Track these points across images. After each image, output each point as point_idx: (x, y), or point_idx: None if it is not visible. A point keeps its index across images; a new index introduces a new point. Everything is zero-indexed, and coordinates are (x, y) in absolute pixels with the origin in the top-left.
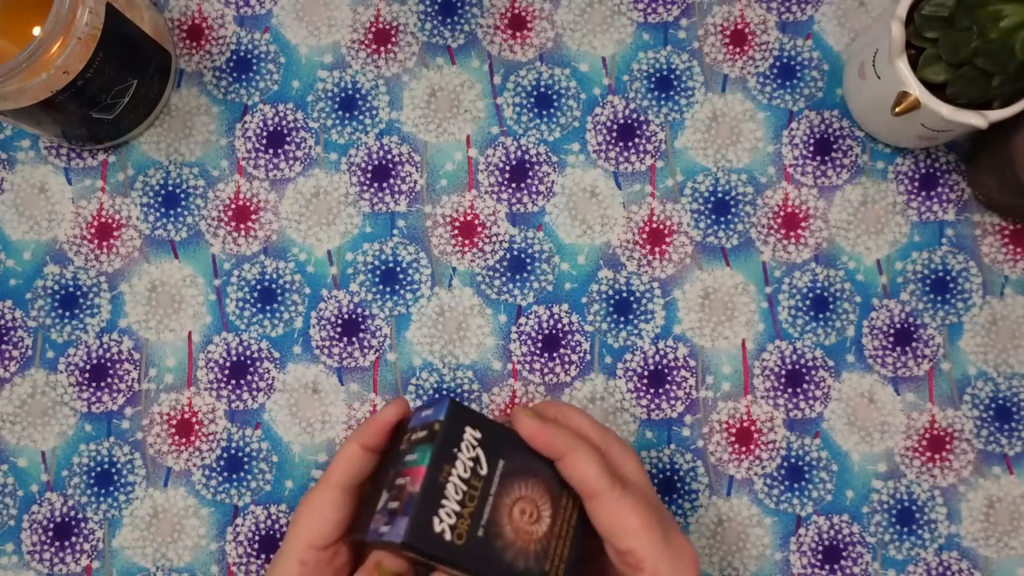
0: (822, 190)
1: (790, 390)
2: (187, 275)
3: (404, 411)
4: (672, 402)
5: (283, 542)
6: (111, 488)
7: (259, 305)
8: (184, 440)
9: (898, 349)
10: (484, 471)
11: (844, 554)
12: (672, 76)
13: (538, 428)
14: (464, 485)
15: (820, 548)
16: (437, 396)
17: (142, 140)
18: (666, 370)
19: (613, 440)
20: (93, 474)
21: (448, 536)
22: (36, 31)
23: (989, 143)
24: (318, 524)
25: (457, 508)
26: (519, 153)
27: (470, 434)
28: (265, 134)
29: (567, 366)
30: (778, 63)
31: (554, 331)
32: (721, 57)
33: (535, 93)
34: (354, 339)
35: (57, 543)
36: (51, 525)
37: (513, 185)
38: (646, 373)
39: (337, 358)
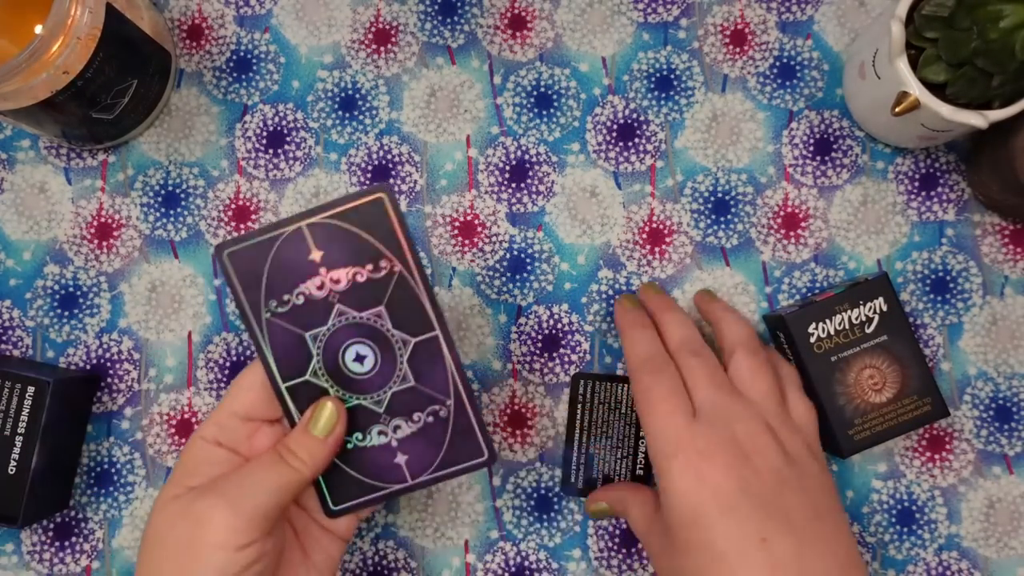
0: (822, 190)
1: None
2: (187, 275)
3: None
4: None
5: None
6: (111, 488)
7: None
8: (184, 440)
9: None
10: None
11: None
12: (672, 76)
13: (709, 302)
14: None
15: None
16: None
17: (142, 140)
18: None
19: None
20: (93, 474)
21: None
22: (36, 31)
23: (989, 143)
24: (250, 390)
25: None
26: (519, 153)
27: None
28: (265, 134)
29: (567, 366)
30: (778, 63)
31: (554, 331)
32: (721, 57)
33: (535, 93)
34: None
35: (57, 543)
36: (51, 525)
37: (513, 185)
38: None
39: None
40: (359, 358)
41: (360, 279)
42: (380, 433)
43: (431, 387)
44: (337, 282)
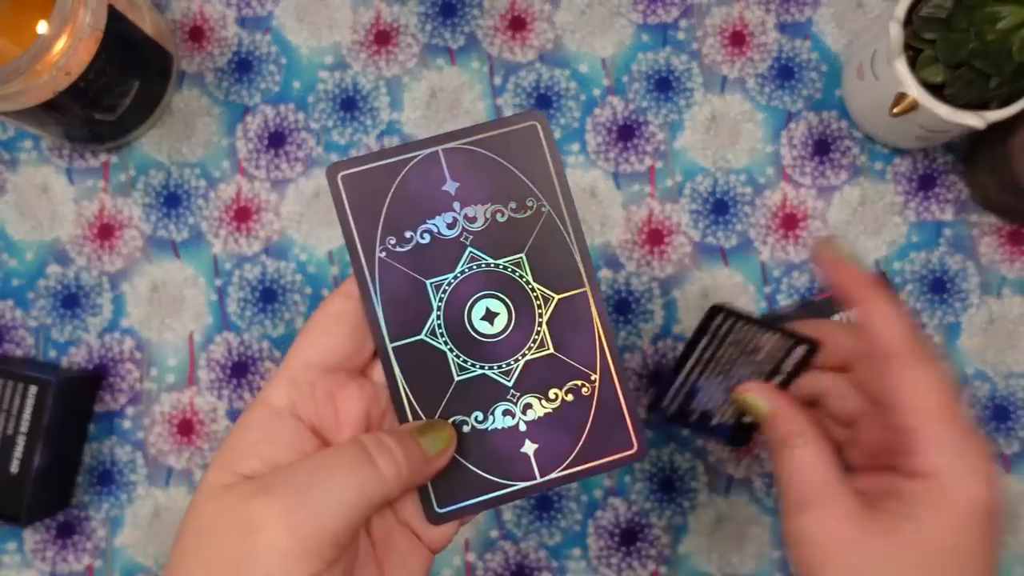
0: (820, 190)
1: None
2: (188, 275)
3: None
4: None
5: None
6: (113, 487)
7: (260, 305)
8: (185, 439)
9: None
10: None
11: None
12: (671, 77)
13: (847, 269)
14: None
15: None
16: None
17: (144, 141)
18: (665, 369)
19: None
20: (95, 473)
21: None
22: (39, 32)
23: (987, 144)
24: (325, 337)
25: None
26: None
27: None
28: (266, 135)
29: None
30: (777, 64)
31: None
32: (720, 58)
33: (535, 94)
34: None
35: (59, 542)
36: (54, 524)
37: None
38: (645, 373)
39: None
40: (489, 315)
41: (500, 219)
42: (506, 413)
43: (574, 357)
44: (472, 220)
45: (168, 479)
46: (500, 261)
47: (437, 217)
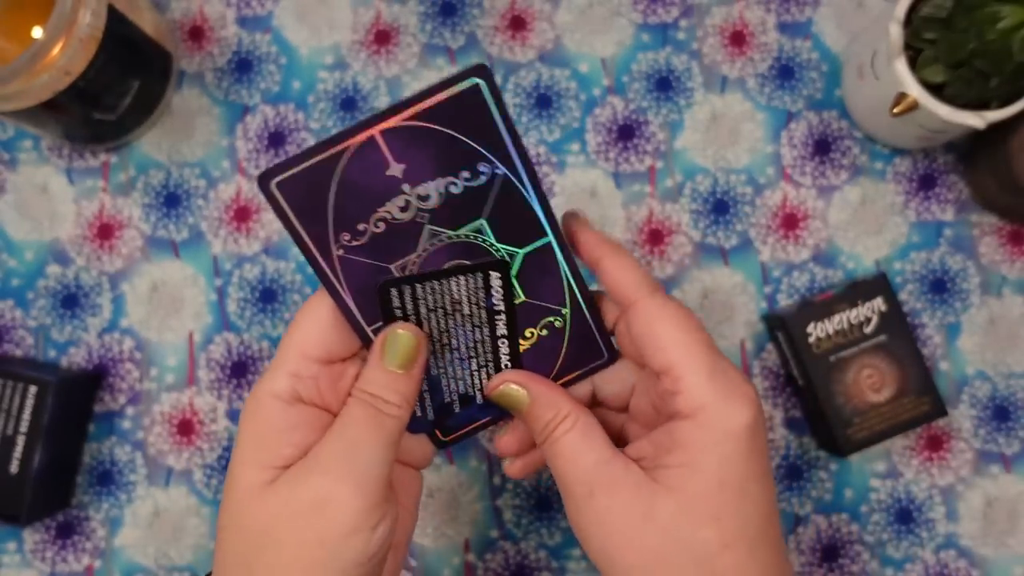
0: (821, 190)
1: (789, 388)
2: (188, 275)
3: None
4: None
5: (271, 362)
6: (113, 487)
7: (260, 305)
8: (185, 439)
9: None
10: None
11: (842, 553)
12: (671, 77)
13: (586, 231)
14: None
15: (819, 547)
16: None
17: (143, 141)
18: None
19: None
20: (95, 473)
21: None
22: (38, 32)
23: (987, 144)
24: (317, 330)
25: None
26: None
27: None
28: (266, 135)
29: None
30: (777, 64)
31: None
32: (720, 58)
33: (535, 94)
34: None
35: (59, 542)
36: (53, 524)
37: None
38: None
39: None
40: None
41: (454, 190)
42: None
43: (544, 299)
44: (425, 199)
45: (168, 479)
46: (460, 231)
47: (387, 203)
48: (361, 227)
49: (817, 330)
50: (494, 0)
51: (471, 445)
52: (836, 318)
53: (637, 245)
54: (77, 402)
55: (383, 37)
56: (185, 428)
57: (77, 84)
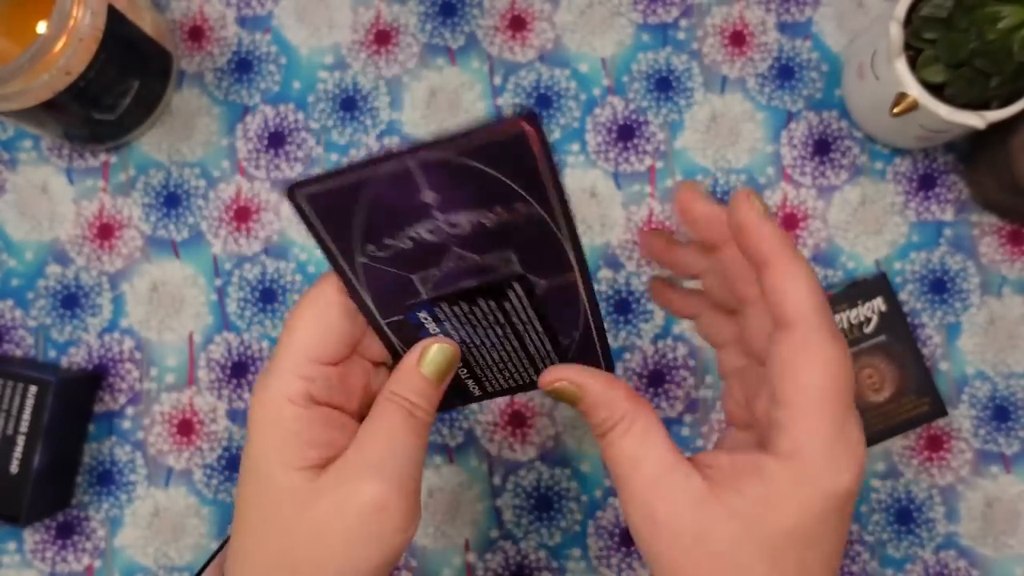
0: (821, 190)
1: None
2: (188, 275)
3: None
4: (672, 401)
5: (270, 359)
6: (113, 487)
7: (260, 305)
8: (185, 440)
9: None
10: None
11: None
12: (671, 77)
13: (761, 219)
14: None
15: None
16: None
17: (143, 141)
18: (665, 370)
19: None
20: (95, 473)
21: None
22: (38, 32)
23: (987, 144)
24: (321, 334)
25: None
26: None
27: None
28: (266, 135)
29: None
30: (777, 64)
31: None
32: (720, 58)
33: (535, 94)
34: None
35: (59, 542)
36: (53, 524)
37: None
38: (646, 373)
39: None
40: None
41: (487, 223)
42: None
43: (559, 324)
44: (455, 226)
45: (168, 479)
46: (487, 256)
47: (417, 224)
48: (388, 242)
49: None
50: (494, 0)
51: (471, 445)
52: (836, 318)
53: (637, 245)
54: (77, 402)
55: (383, 37)
56: (185, 428)
57: (77, 84)
